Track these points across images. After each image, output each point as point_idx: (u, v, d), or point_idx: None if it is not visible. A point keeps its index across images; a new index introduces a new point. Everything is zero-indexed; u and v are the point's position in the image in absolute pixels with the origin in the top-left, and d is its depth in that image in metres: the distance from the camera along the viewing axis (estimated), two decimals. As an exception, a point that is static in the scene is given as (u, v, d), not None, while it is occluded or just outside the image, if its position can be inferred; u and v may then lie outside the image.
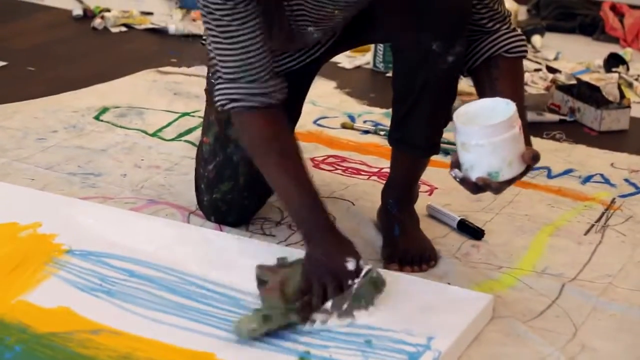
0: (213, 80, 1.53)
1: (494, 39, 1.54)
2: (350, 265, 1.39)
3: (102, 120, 2.20)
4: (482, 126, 1.36)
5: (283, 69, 1.68)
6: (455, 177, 1.41)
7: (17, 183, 1.82)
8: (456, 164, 1.40)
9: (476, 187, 1.39)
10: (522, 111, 1.45)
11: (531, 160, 1.39)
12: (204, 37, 1.74)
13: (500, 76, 1.51)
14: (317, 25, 1.54)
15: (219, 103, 1.46)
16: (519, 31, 1.56)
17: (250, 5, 1.40)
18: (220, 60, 1.45)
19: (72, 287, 1.43)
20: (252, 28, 1.42)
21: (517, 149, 1.37)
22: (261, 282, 1.42)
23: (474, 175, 1.38)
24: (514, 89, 1.50)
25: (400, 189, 1.69)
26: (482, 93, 1.51)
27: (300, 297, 1.37)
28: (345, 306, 1.38)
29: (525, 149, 1.39)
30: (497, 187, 1.39)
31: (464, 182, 1.40)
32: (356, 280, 1.39)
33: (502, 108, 1.37)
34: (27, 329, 1.31)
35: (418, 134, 1.59)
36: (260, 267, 1.43)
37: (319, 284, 1.38)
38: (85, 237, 1.56)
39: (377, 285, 1.41)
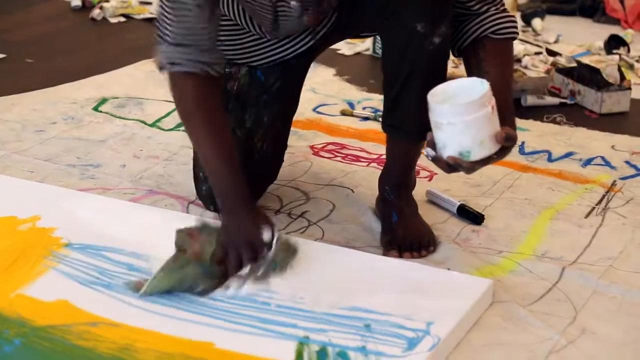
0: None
1: (481, 20, 1.53)
2: (266, 235, 1.43)
3: (100, 111, 2.20)
4: (454, 105, 1.36)
5: (277, 59, 1.68)
6: (427, 156, 1.41)
7: (16, 175, 1.82)
8: (431, 144, 1.40)
9: (448, 166, 1.39)
10: (506, 92, 1.45)
11: (504, 141, 1.38)
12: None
13: (486, 57, 1.51)
14: (306, 8, 1.53)
15: (159, 63, 1.49)
16: (509, 13, 1.56)
17: None
18: (167, 23, 1.46)
19: (71, 281, 1.43)
20: None
21: (490, 129, 1.37)
22: (180, 249, 1.43)
23: (445, 154, 1.38)
24: (500, 70, 1.49)
25: (397, 176, 1.68)
26: (470, 74, 1.51)
27: (214, 264, 1.41)
28: (260, 272, 1.42)
29: (499, 129, 1.38)
30: (469, 166, 1.39)
31: (437, 160, 1.40)
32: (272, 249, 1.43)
33: (477, 87, 1.37)
34: (26, 322, 1.32)
35: (409, 118, 1.59)
36: (180, 232, 1.45)
37: (234, 253, 1.42)
38: (84, 230, 1.56)
39: (290, 250, 1.45)
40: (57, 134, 2.06)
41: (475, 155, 1.37)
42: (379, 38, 2.63)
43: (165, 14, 1.47)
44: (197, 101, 1.48)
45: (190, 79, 1.47)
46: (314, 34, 1.66)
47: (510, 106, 1.47)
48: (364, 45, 2.74)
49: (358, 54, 2.72)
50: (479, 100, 1.35)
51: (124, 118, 2.17)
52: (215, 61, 1.49)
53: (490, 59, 1.51)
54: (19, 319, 1.32)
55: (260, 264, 1.42)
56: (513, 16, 1.56)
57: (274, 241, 1.44)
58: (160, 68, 1.50)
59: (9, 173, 1.84)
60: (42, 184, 1.79)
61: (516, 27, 1.55)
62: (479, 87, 1.37)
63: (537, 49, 2.76)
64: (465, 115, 1.35)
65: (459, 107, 1.35)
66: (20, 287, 1.40)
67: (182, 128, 2.12)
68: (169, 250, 1.48)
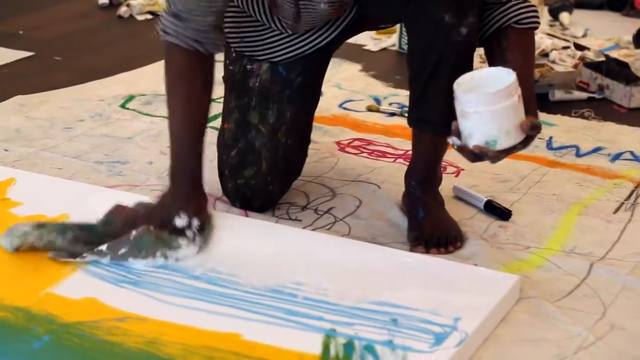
0: (231, 67, 1.52)
1: (505, 9, 1.53)
2: (179, 221, 1.47)
3: (128, 108, 2.22)
4: (480, 94, 1.36)
5: (298, 54, 1.68)
6: (453, 145, 1.41)
7: (44, 173, 1.83)
8: (456, 132, 1.40)
9: (474, 155, 1.39)
10: (528, 82, 1.45)
11: (530, 130, 1.38)
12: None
13: (509, 47, 1.51)
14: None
15: (158, 30, 1.51)
16: (531, 2, 1.55)
17: None
18: None
19: (99, 280, 1.43)
20: None
21: (516, 119, 1.37)
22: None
23: (471, 143, 1.38)
24: (523, 60, 1.49)
25: (423, 171, 1.68)
26: (492, 64, 1.51)
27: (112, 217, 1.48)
28: (122, 251, 1.45)
29: (525, 118, 1.38)
30: (494, 155, 1.39)
31: (462, 149, 1.40)
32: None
33: (503, 77, 1.37)
34: (55, 319, 1.33)
35: (436, 111, 1.58)
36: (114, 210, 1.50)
37: (137, 216, 1.48)
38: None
39: (165, 242, 1.47)
40: (84, 131, 2.08)
41: (501, 145, 1.38)
42: (405, 33, 2.63)
43: None
44: (178, 74, 1.51)
45: (178, 51, 1.49)
46: (335, 27, 1.66)
47: (533, 96, 1.47)
48: (390, 40, 2.73)
49: (384, 49, 2.72)
50: (506, 90, 1.35)
51: (150, 115, 2.18)
52: (208, 41, 1.50)
53: (514, 48, 1.50)
54: (48, 316, 1.33)
55: (123, 243, 1.45)
56: (534, 5, 1.56)
57: (192, 228, 1.48)
58: (158, 34, 1.52)
59: (37, 170, 1.85)
60: (70, 181, 1.80)
61: (538, 17, 1.55)
62: (505, 76, 1.37)
63: (564, 44, 2.73)
64: (492, 105, 1.35)
65: (486, 96, 1.35)
66: (49, 286, 1.41)
67: (208, 124, 2.13)
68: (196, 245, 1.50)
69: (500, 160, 1.42)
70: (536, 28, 1.55)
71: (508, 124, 1.37)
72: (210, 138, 2.00)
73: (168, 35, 1.49)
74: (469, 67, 1.56)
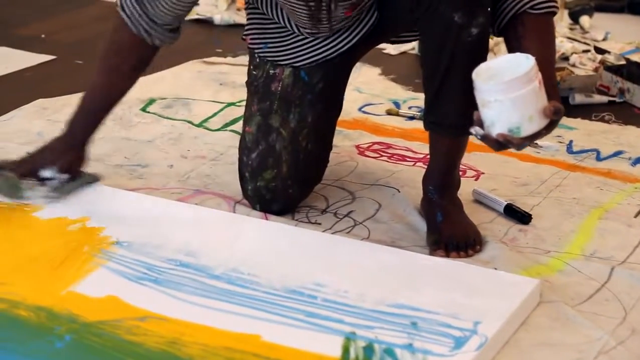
0: (254, 72, 1.56)
1: None
2: (46, 173, 1.64)
3: (148, 112, 2.23)
4: (500, 82, 1.35)
5: (320, 59, 1.68)
6: (476, 135, 1.41)
7: (66, 175, 1.84)
8: (478, 122, 1.40)
9: (498, 143, 1.39)
10: (549, 67, 1.43)
11: (553, 115, 1.37)
12: (244, 33, 1.76)
13: (525, 33, 1.50)
14: None
15: (118, 1, 1.61)
16: None
17: None
18: None
19: (120, 277, 1.45)
20: None
21: (538, 104, 1.36)
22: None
23: (494, 132, 1.38)
24: (541, 45, 1.47)
25: (440, 176, 1.67)
26: (511, 52, 1.48)
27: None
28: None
29: (547, 103, 1.37)
30: (519, 142, 1.38)
31: (486, 139, 1.40)
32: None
33: (522, 63, 1.36)
34: (77, 318, 1.34)
35: (451, 113, 1.58)
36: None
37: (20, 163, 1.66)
38: (133, 229, 1.58)
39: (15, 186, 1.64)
40: (105, 135, 2.09)
41: (525, 131, 1.37)
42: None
43: None
44: (118, 48, 1.62)
45: (127, 30, 1.60)
46: (356, 32, 1.67)
47: (554, 81, 1.46)
48: (410, 44, 2.73)
49: (403, 53, 2.72)
50: (526, 76, 1.34)
51: (171, 118, 2.19)
52: (158, 35, 1.61)
53: (530, 35, 1.49)
54: (70, 316, 1.34)
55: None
56: None
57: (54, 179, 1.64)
58: (115, 5, 1.62)
59: (59, 173, 1.87)
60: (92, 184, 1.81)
61: (556, 1, 1.53)
62: (524, 62, 1.36)
63: (585, 47, 2.73)
64: (513, 92, 1.34)
65: (506, 83, 1.34)
66: (71, 285, 1.42)
67: (230, 128, 2.15)
68: (216, 245, 1.50)
69: (524, 147, 1.41)
70: (554, 13, 1.53)
71: (530, 110, 1.36)
72: (233, 142, 2.03)
73: (124, 13, 1.59)
74: None
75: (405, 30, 1.72)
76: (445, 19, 1.50)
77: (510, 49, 1.52)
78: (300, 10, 1.57)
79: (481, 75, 1.38)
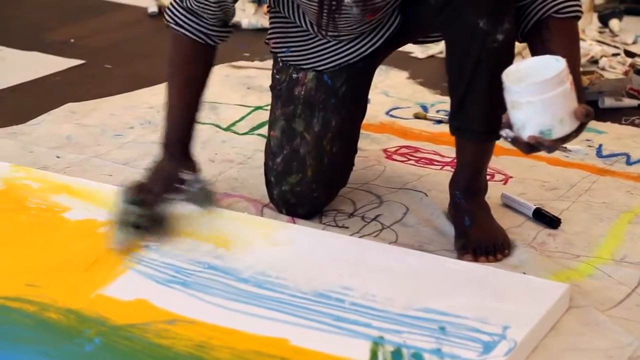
0: (278, 76, 1.59)
1: (543, 0, 1.51)
2: (185, 175, 1.61)
3: (176, 116, 2.23)
4: (532, 83, 1.34)
5: (343, 62, 1.69)
6: (506, 137, 1.40)
7: (95, 179, 1.85)
8: (507, 125, 1.39)
9: (528, 146, 1.38)
10: (575, 71, 1.42)
11: (584, 117, 1.36)
12: (267, 37, 1.77)
13: (551, 37, 1.49)
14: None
15: (166, 18, 1.65)
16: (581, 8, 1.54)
17: None
18: None
19: (149, 280, 1.46)
20: None
21: (569, 106, 1.35)
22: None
23: (525, 134, 1.36)
24: (567, 49, 1.46)
25: (467, 180, 1.67)
26: (536, 56, 1.46)
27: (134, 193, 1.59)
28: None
29: (577, 105, 1.36)
30: (550, 145, 1.37)
31: (516, 141, 1.39)
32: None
33: (552, 65, 1.35)
34: (106, 321, 1.35)
35: (476, 118, 1.57)
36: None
37: (150, 184, 1.61)
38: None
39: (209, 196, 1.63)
40: (134, 138, 2.10)
41: (557, 134, 1.36)
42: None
43: None
44: (184, 60, 1.66)
45: (187, 41, 1.64)
46: (380, 36, 1.66)
47: (580, 85, 1.45)
48: (437, 48, 2.72)
49: (431, 56, 2.71)
50: (558, 77, 1.33)
51: (199, 122, 2.19)
52: (217, 35, 1.65)
53: (556, 38, 1.49)
54: (99, 319, 1.35)
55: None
56: None
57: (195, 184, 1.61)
58: (167, 23, 1.65)
59: (89, 177, 1.88)
60: (121, 187, 1.81)
61: (580, 7, 1.53)
62: (554, 64, 1.35)
63: (614, 50, 2.71)
64: (545, 93, 1.33)
65: (538, 84, 1.33)
66: (100, 288, 1.43)
67: (257, 132, 2.15)
68: (244, 248, 1.51)
69: (555, 149, 1.40)
70: (578, 18, 1.53)
71: (562, 111, 1.35)
72: (260, 146, 2.03)
73: (181, 28, 1.63)
74: None
75: (429, 33, 1.71)
76: (470, 25, 1.49)
77: (535, 53, 1.51)
78: (312, 10, 1.57)
79: (510, 76, 1.37)
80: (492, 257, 1.59)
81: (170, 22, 1.64)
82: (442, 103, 2.33)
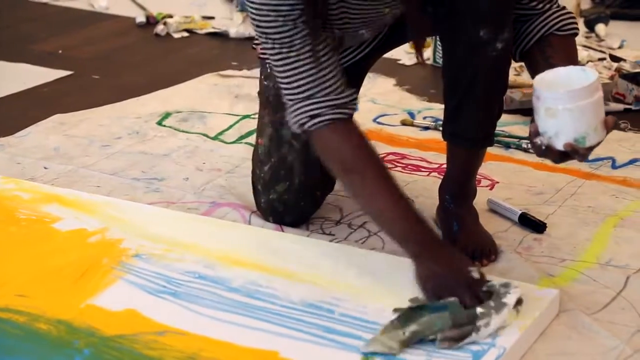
0: (266, 83, 1.52)
1: (545, 18, 1.53)
2: (475, 274, 1.38)
3: (164, 126, 2.24)
4: (570, 90, 1.34)
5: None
6: (541, 145, 1.38)
7: (83, 190, 1.86)
8: (535, 134, 1.38)
9: (562, 155, 1.37)
10: None
11: (613, 126, 1.38)
12: (254, 42, 1.77)
13: (554, 54, 1.50)
14: (369, 26, 1.54)
15: (297, 123, 1.43)
16: (567, 9, 1.55)
17: (300, 19, 1.40)
18: (289, 81, 1.43)
19: (139, 290, 1.46)
20: (315, 40, 1.40)
21: (601, 114, 1.36)
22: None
23: (560, 142, 1.36)
24: (569, 64, 1.46)
25: (457, 185, 1.68)
26: (537, 72, 1.45)
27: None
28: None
29: (604, 115, 1.37)
30: (585, 153, 1.37)
31: (549, 150, 1.38)
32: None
33: (578, 75, 1.36)
34: (95, 332, 1.35)
35: (471, 125, 1.58)
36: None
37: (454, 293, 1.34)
38: (151, 241, 1.59)
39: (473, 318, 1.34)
40: (122, 149, 2.11)
41: (590, 141, 1.36)
42: (440, 47, 2.62)
43: (282, 75, 1.43)
44: (357, 151, 1.42)
45: (337, 131, 1.42)
46: (369, 43, 1.67)
47: None
48: (425, 54, 2.72)
49: (418, 63, 2.72)
50: (594, 85, 1.34)
51: (187, 132, 2.21)
52: (349, 99, 1.44)
53: (559, 54, 1.50)
54: (89, 329, 1.35)
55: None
56: (571, 12, 1.56)
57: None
58: (301, 127, 1.44)
59: (77, 187, 1.88)
60: (109, 197, 1.82)
61: (577, 23, 1.55)
62: (580, 74, 1.36)
63: (600, 55, 2.73)
64: (582, 100, 1.33)
65: (576, 92, 1.33)
66: (90, 298, 1.43)
67: (245, 140, 2.16)
68: (233, 257, 1.51)
69: (587, 157, 1.39)
70: (576, 35, 1.55)
71: (596, 120, 1.35)
72: (248, 154, 2.04)
73: (318, 117, 1.41)
74: (504, 82, 1.57)
75: (426, 37, 1.72)
76: (470, 34, 1.50)
77: (537, 70, 1.49)
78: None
79: (541, 84, 1.36)
80: (478, 263, 1.59)
81: (306, 122, 1.42)
82: (429, 109, 2.34)
